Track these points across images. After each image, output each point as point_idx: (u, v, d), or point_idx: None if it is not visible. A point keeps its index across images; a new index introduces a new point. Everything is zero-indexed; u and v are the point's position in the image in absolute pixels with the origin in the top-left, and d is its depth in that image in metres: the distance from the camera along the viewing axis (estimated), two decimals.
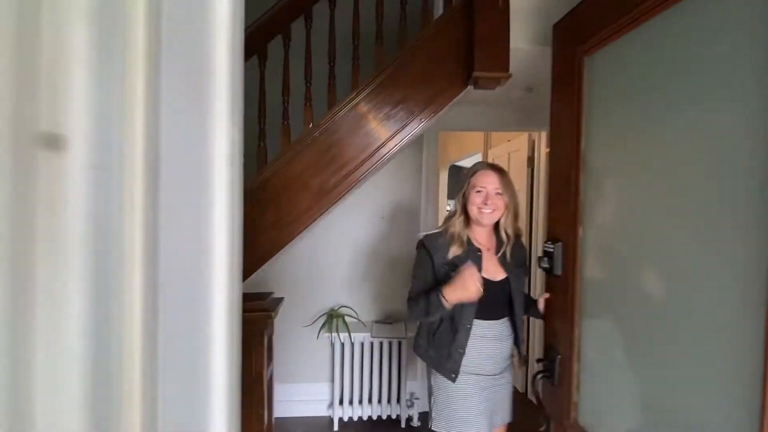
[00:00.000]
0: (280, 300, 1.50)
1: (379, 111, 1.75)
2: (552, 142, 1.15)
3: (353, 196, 2.71)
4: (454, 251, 1.28)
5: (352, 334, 2.53)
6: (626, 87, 0.90)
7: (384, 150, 1.77)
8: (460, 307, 1.25)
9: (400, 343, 2.59)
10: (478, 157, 5.27)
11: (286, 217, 1.73)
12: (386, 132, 1.76)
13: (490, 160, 3.97)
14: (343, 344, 2.56)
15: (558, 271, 1.05)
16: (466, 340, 1.25)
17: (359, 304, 2.75)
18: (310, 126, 1.75)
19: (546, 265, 1.09)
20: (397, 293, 2.79)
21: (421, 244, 1.37)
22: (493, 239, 1.38)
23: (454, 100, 1.80)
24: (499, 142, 3.84)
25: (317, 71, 1.82)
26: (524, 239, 3.03)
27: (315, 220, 1.76)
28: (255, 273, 2.35)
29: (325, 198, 1.75)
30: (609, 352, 0.93)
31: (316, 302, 2.71)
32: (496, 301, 1.30)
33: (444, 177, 6.74)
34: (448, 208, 7.26)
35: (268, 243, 1.73)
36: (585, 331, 0.98)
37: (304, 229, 1.74)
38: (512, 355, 1.40)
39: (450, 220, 1.38)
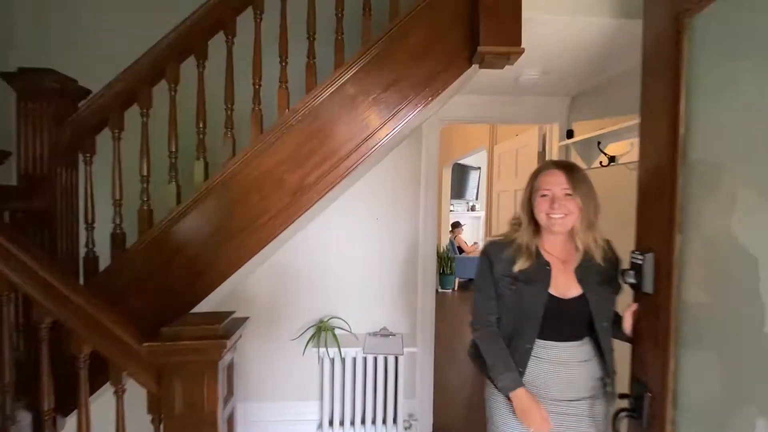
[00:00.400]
0: (243, 320, 1.25)
1: (367, 94, 1.49)
2: (642, 129, 0.93)
3: (345, 195, 2.46)
4: (521, 264, 1.16)
5: (343, 349, 2.28)
6: (752, 50, 0.68)
7: (373, 140, 1.51)
8: (519, 326, 1.15)
9: (396, 359, 2.33)
10: (482, 155, 4.98)
11: (258, 220, 1.47)
12: (376, 119, 1.50)
13: (495, 157, 3.69)
14: (333, 359, 2.31)
15: (648, 287, 0.85)
16: (525, 361, 1.15)
17: (352, 314, 2.50)
18: (286, 112, 1.49)
19: (632, 280, 0.89)
20: (393, 302, 2.53)
21: (484, 252, 1.26)
22: (572, 249, 1.19)
23: (456, 81, 1.54)
24: (505, 136, 3.57)
25: (294, 48, 1.56)
26: None
27: (292, 222, 1.50)
28: (235, 282, 2.11)
29: (304, 196, 1.49)
30: (720, 395, 0.73)
31: (304, 312, 2.46)
32: (567, 321, 1.15)
33: (447, 175, 6.47)
34: (451, 208, 7.01)
35: (237, 250, 1.47)
36: (684, 366, 0.78)
37: (279, 233, 1.48)
38: (605, 384, 1.17)
39: (515, 226, 1.25)
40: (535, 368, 1.15)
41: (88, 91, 1.56)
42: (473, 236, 7.48)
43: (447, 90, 1.54)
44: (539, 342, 1.15)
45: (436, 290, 6.16)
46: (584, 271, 1.15)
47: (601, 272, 1.15)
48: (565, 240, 1.19)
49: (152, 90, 1.51)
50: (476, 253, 6.66)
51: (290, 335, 2.43)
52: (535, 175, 1.20)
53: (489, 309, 1.22)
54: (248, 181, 1.47)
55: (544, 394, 1.15)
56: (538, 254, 1.18)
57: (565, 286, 1.15)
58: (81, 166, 1.52)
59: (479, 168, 7.24)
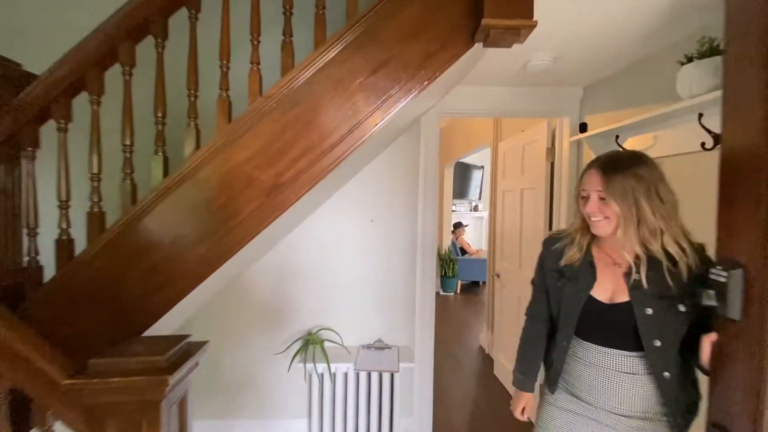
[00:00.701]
0: (200, 345, 1.04)
1: (352, 77, 1.28)
2: (726, 109, 0.72)
3: (337, 194, 2.26)
4: (567, 259, 1.13)
5: (334, 365, 2.07)
6: None
7: (361, 131, 1.30)
8: (559, 321, 1.15)
9: (392, 375, 2.12)
10: (486, 153, 4.75)
11: (226, 224, 1.27)
12: (364, 106, 1.29)
13: (500, 155, 3.47)
14: (322, 374, 2.10)
15: (734, 313, 0.67)
16: (561, 357, 1.14)
17: (343, 324, 2.29)
18: (259, 98, 1.28)
19: (712, 302, 0.72)
20: (389, 311, 2.32)
21: (542, 246, 1.25)
22: (629, 252, 1.07)
23: (457, 63, 1.32)
24: (511, 132, 3.35)
25: (268, 23, 1.35)
26: (531, 253, 2.58)
27: (266, 226, 1.29)
28: (213, 291, 1.91)
29: (279, 196, 1.28)
30: None
31: (292, 323, 2.25)
32: (608, 328, 1.06)
33: (449, 175, 6.25)
34: (454, 209, 6.79)
35: (201, 259, 1.26)
36: None
37: (250, 239, 1.28)
38: (665, 414, 1.02)
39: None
40: (571, 367, 1.12)
41: (35, 77, 1.36)
42: (476, 236, 7.26)
43: (446, 73, 1.32)
44: (578, 341, 1.11)
45: (438, 293, 5.98)
46: (642, 279, 1.00)
47: (669, 285, 0.98)
48: (620, 241, 1.06)
49: (104, 74, 1.31)
50: (479, 256, 6.44)
51: (275, 348, 2.22)
52: (582, 172, 1.11)
53: (539, 303, 1.24)
54: (214, 180, 1.26)
55: (579, 395, 1.11)
56: (588, 252, 1.12)
57: (612, 290, 1.06)
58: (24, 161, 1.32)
59: (482, 167, 7.01)
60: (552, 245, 1.19)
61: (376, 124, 1.29)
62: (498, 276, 3.29)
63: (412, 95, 1.29)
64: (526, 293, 2.84)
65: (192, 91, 1.30)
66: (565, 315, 1.12)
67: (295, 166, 1.28)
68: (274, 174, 1.27)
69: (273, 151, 1.27)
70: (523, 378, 1.25)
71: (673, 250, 0.97)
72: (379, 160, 2.28)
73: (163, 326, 1.47)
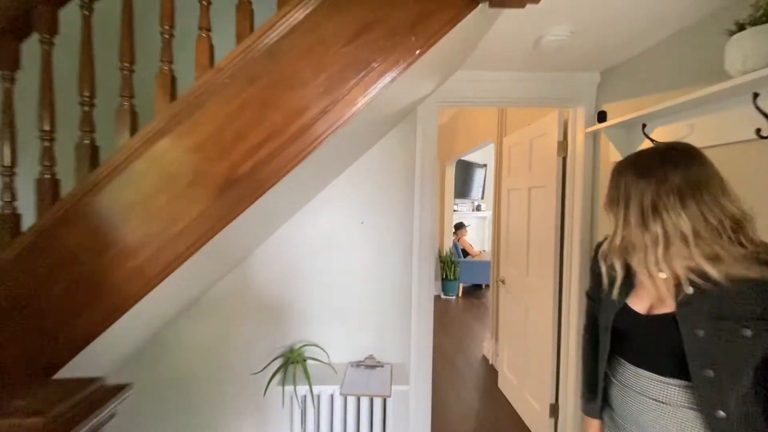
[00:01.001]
0: (116, 392, 0.79)
1: (325, 46, 1.02)
2: None
3: (324, 193, 2.01)
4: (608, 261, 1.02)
5: (319, 387, 1.82)
6: None
7: (336, 113, 1.04)
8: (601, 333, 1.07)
9: (384, 399, 1.86)
10: (489, 149, 4.49)
11: (165, 232, 1.01)
12: (339, 82, 1.03)
13: (505, 150, 3.20)
14: (305, 396, 1.85)
15: None
16: (602, 370, 1.04)
17: (330, 339, 2.04)
18: (209, 71, 1.02)
19: None
20: (382, 323, 2.07)
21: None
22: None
23: (456, 29, 1.06)
24: (516, 126, 3.08)
25: None
26: (551, 256, 2.32)
27: (219, 231, 1.04)
28: (177, 302, 1.67)
29: (234, 194, 1.03)
30: None
31: (271, 336, 2.00)
32: (646, 344, 0.95)
33: (450, 173, 5.97)
34: (455, 208, 6.52)
35: (136, 275, 1.01)
36: None
37: (196, 250, 1.02)
38: None
39: None
40: (609, 388, 1.04)
41: None
42: (479, 237, 6.98)
43: (444, 42, 1.07)
44: (615, 357, 1.02)
45: (439, 296, 5.71)
46: (694, 293, 0.84)
47: (729, 303, 0.81)
48: None
49: (19, 45, 1.06)
50: (482, 257, 6.17)
51: (251, 367, 1.97)
52: None
53: (589, 316, 1.17)
54: (151, 174, 1.01)
55: (618, 422, 1.01)
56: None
57: (650, 300, 0.94)
58: None
59: (485, 165, 6.74)
60: (600, 247, 1.07)
61: (356, 104, 1.04)
62: (503, 281, 3.02)
63: (400, 68, 1.04)
64: (534, 301, 2.55)
65: (126, 64, 1.04)
66: (601, 325, 1.05)
67: (255, 156, 1.02)
68: (228, 166, 1.02)
69: (226, 138, 1.01)
70: (584, 402, 1.14)
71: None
72: (373, 154, 2.03)
73: (109, 352, 1.23)
